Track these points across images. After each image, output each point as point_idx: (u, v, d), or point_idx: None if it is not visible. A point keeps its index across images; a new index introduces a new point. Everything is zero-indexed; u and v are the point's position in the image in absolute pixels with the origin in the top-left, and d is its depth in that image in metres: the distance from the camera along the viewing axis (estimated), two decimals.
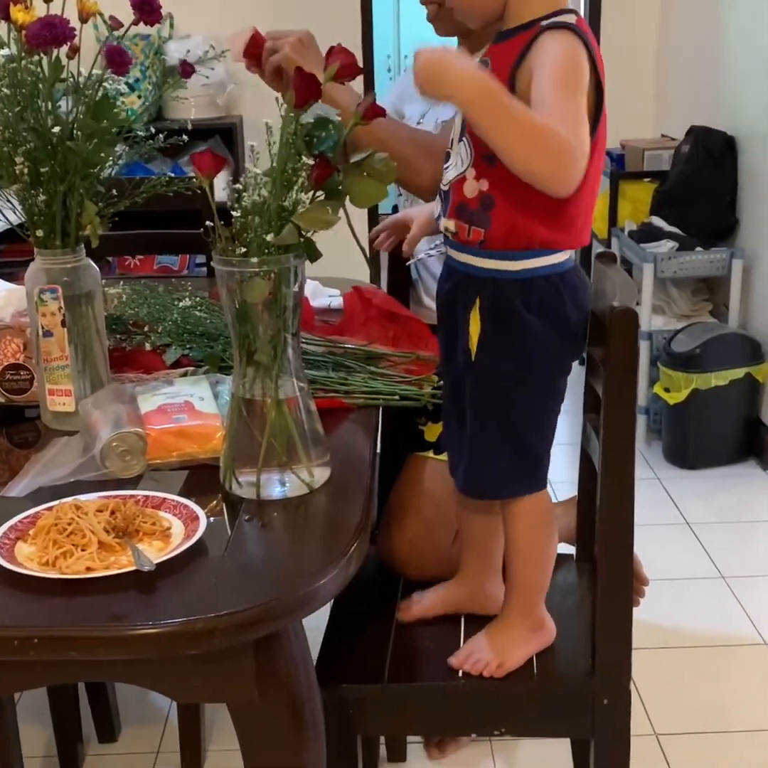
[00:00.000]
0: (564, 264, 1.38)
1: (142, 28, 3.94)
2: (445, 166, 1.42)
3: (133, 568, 1.11)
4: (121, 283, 1.90)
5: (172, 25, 3.96)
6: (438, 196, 1.43)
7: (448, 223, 1.39)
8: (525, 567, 1.50)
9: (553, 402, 1.44)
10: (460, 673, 1.48)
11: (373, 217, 4.28)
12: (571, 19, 1.32)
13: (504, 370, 1.39)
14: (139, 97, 3.68)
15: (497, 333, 1.38)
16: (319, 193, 1.21)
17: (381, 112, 1.22)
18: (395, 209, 2.07)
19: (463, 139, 1.36)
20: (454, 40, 1.88)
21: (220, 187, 1.36)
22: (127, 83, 4.11)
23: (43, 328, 1.46)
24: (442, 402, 1.55)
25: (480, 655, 1.47)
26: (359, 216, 2.22)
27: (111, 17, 1.36)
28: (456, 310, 1.42)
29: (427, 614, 1.59)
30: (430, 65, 1.24)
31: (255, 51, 1.68)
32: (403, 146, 1.71)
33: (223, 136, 3.98)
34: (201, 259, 3.73)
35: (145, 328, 1.71)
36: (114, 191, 1.48)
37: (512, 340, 1.37)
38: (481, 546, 1.57)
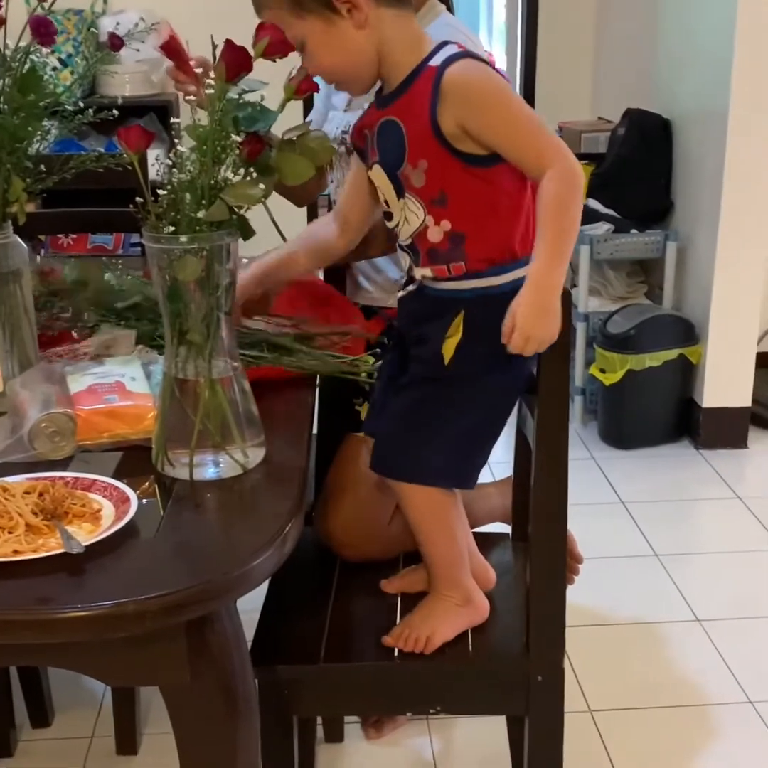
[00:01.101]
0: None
1: (76, 3, 3.83)
2: (393, 224, 1.45)
3: (61, 550, 1.10)
4: (49, 260, 1.85)
5: (105, 0, 3.88)
6: (399, 250, 1.48)
7: (424, 271, 1.43)
8: (430, 546, 1.52)
9: (507, 413, 1.48)
10: (396, 652, 1.48)
11: (312, 203, 4.25)
12: (452, 49, 1.35)
13: (475, 378, 1.42)
14: (72, 72, 3.61)
15: (478, 343, 1.40)
16: (251, 170, 1.19)
17: (314, 87, 1.21)
18: (329, 194, 2.05)
19: (406, 197, 1.39)
20: None
21: (154, 166, 1.34)
22: (59, 59, 3.99)
23: None
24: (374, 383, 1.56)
25: (410, 632, 1.48)
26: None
27: None
28: (429, 316, 1.44)
29: (409, 589, 1.61)
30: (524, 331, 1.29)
31: (172, 54, 1.61)
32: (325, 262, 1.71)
33: (158, 114, 3.91)
34: (135, 238, 3.68)
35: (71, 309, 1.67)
36: (43, 167, 1.45)
37: (492, 350, 1.37)
38: None
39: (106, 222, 2.66)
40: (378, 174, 1.43)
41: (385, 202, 1.44)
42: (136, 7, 3.77)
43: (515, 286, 1.34)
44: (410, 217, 1.41)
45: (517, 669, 1.48)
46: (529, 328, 1.29)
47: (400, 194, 1.40)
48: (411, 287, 1.48)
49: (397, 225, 1.44)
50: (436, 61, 1.34)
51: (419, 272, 1.44)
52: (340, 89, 1.47)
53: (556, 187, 1.31)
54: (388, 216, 1.46)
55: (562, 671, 1.47)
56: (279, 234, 1.34)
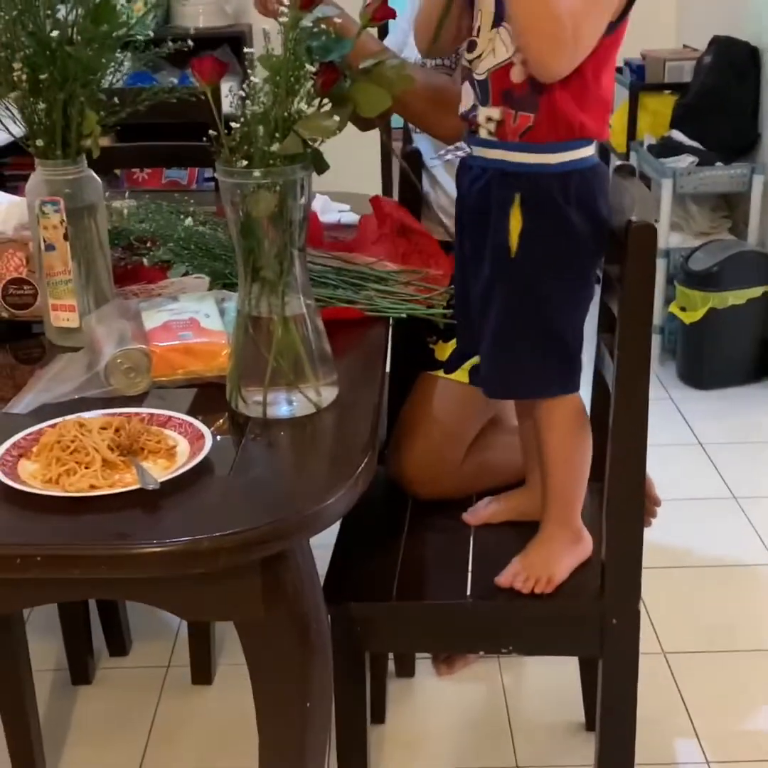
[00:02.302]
0: (593, 158, 1.40)
1: None
2: (473, 56, 1.38)
3: (137, 486, 1.10)
4: (127, 195, 1.85)
5: None
6: (469, 86, 1.40)
7: (492, 112, 1.37)
8: (564, 475, 1.50)
9: (586, 298, 1.45)
10: (468, 590, 1.47)
11: (387, 133, 4.18)
12: None
13: (545, 263, 1.39)
14: (145, 3, 3.58)
15: (539, 227, 1.38)
16: (325, 101, 1.16)
17: (391, 14, 1.17)
18: (405, 124, 2.01)
19: (501, 27, 1.34)
20: None
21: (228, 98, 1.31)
22: None
23: (45, 241, 1.43)
24: (456, 313, 1.54)
25: (528, 573, 1.47)
26: (372, 135, 2.16)
27: None
28: (489, 210, 1.40)
29: (492, 520, 1.62)
30: None
31: None
32: (421, 101, 1.71)
33: (232, 45, 3.88)
34: (209, 173, 3.67)
35: (148, 244, 1.67)
36: (116, 100, 1.43)
37: (553, 233, 1.38)
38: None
39: (179, 156, 2.67)
40: None
41: (477, 29, 1.38)
42: None
43: (566, 169, 1.36)
44: (499, 49, 1.35)
45: (592, 612, 1.46)
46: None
47: (497, 22, 1.35)
48: (460, 153, 1.43)
49: (478, 56, 1.37)
50: None
51: (484, 113, 1.38)
52: None
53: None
54: (472, 45, 1.38)
55: (638, 615, 1.45)
56: (401, 165, 1.32)
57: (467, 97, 1.41)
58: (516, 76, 1.34)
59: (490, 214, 1.40)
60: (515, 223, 1.38)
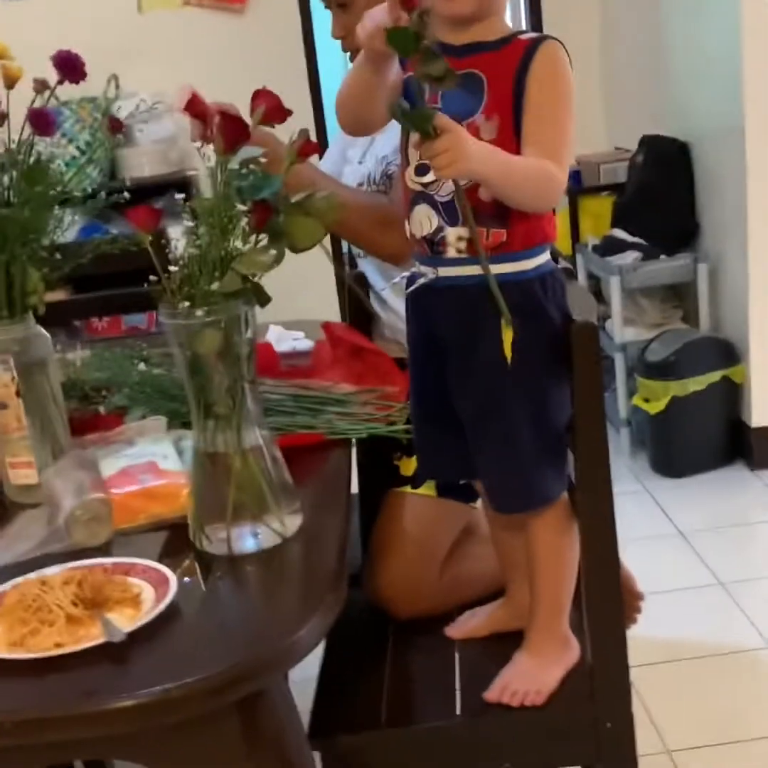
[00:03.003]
0: (551, 261, 1.43)
1: (88, 91, 3.90)
2: (430, 179, 1.38)
3: (103, 640, 1.08)
4: (79, 346, 1.87)
5: (117, 86, 3.95)
6: (428, 208, 1.39)
7: (461, 232, 1.37)
8: (554, 578, 1.48)
9: (567, 393, 1.44)
10: (458, 710, 1.44)
11: (338, 258, 4.27)
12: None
13: (540, 367, 1.39)
14: (91, 160, 3.67)
15: (530, 333, 1.38)
16: (260, 237, 1.18)
17: (315, 150, 1.20)
18: (349, 249, 2.06)
19: None
20: None
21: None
22: (78, 147, 4.06)
23: None
24: (420, 440, 1.54)
25: (517, 686, 1.44)
26: (324, 263, 2.18)
27: (34, 80, 1.34)
28: (474, 327, 1.39)
29: (475, 634, 1.59)
30: (452, 145, 1.23)
31: (196, 110, 1.64)
32: (359, 222, 1.77)
33: (181, 190, 3.96)
34: None
35: (103, 392, 1.68)
36: (58, 255, 1.46)
37: (544, 336, 1.38)
38: (520, 563, 1.55)
39: (135, 302, 2.68)
40: None
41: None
42: (149, 89, 3.85)
43: (541, 273, 1.39)
44: None
45: (585, 718, 1.43)
46: None
47: None
48: (423, 280, 1.42)
49: (438, 178, 1.37)
50: (525, 36, 1.37)
51: (453, 233, 1.37)
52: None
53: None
54: (423, 169, 1.38)
55: (631, 716, 1.42)
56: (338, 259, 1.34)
57: (427, 219, 1.40)
58: (484, 194, 1.34)
59: (477, 330, 1.39)
60: (507, 334, 1.38)
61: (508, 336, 1.37)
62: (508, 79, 1.34)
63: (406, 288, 1.47)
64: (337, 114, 1.47)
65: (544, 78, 1.34)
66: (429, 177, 1.38)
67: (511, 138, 1.34)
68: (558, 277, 1.43)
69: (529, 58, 1.34)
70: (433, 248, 1.41)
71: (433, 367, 1.47)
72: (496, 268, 1.36)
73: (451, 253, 1.39)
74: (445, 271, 1.41)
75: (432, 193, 1.39)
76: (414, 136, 1.29)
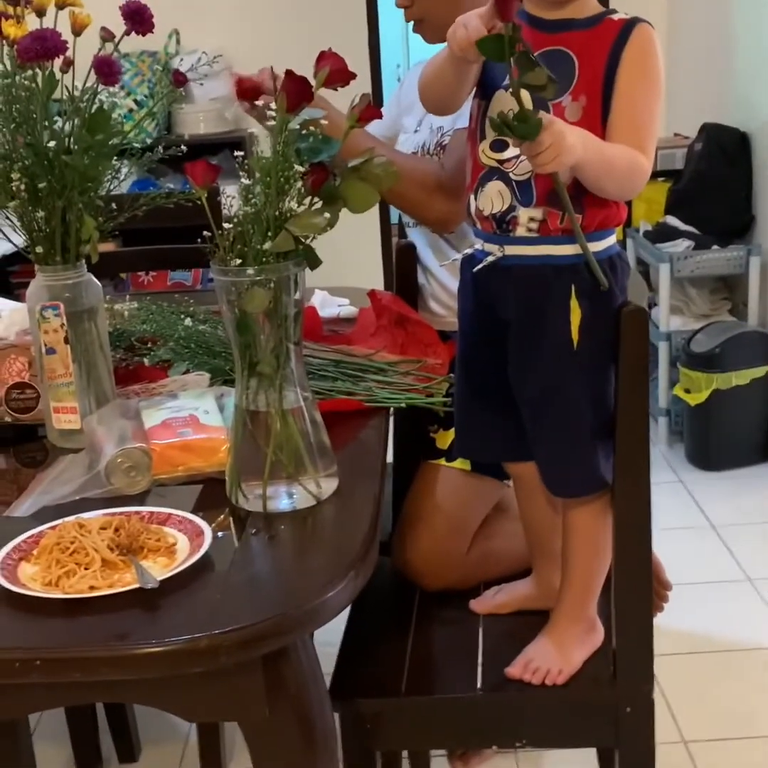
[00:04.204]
0: (617, 242, 1.43)
1: (149, 45, 3.92)
2: (506, 156, 1.36)
3: (136, 585, 1.09)
4: (128, 298, 1.88)
5: (178, 41, 3.96)
6: (502, 185, 1.37)
7: (535, 213, 1.36)
8: (590, 561, 1.48)
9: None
10: (479, 683, 1.45)
11: (386, 230, 4.26)
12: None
13: (603, 351, 1.38)
14: (151, 114, 3.68)
15: (597, 315, 1.37)
16: (315, 199, 1.19)
17: (377, 114, 1.20)
18: (400, 219, 2.05)
19: None
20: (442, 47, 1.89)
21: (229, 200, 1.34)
22: (135, 100, 4.08)
23: (45, 345, 1.45)
24: (462, 418, 1.53)
25: (539, 663, 1.45)
26: (373, 233, 2.16)
27: (102, 29, 1.34)
28: (542, 307, 1.38)
29: (499, 610, 1.60)
30: (555, 139, 1.22)
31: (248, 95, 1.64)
32: (409, 185, 1.74)
33: (234, 150, 3.97)
34: None
35: (149, 344, 1.69)
36: (114, 206, 1.47)
37: (609, 318, 1.37)
38: (550, 544, 1.56)
39: (183, 258, 2.71)
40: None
41: None
42: (209, 45, 3.84)
43: (609, 254, 1.39)
44: None
45: (605, 700, 1.43)
46: None
47: None
48: (490, 258, 1.39)
49: (517, 155, 1.34)
50: (616, 16, 1.36)
51: (526, 214, 1.36)
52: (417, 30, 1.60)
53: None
54: (500, 144, 1.37)
55: (652, 702, 1.42)
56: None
57: (499, 197, 1.38)
58: (563, 175, 1.31)
59: (545, 311, 1.38)
60: (575, 315, 1.37)
61: (576, 317, 1.36)
62: (600, 60, 1.32)
63: (465, 266, 1.45)
64: (421, 94, 1.46)
65: (638, 63, 1.33)
66: (508, 153, 1.36)
67: (597, 121, 1.33)
68: (624, 260, 1.43)
69: (624, 40, 1.32)
70: (501, 226, 1.39)
71: (489, 345, 1.46)
72: (567, 249, 1.36)
73: (521, 232, 1.37)
74: (511, 250, 1.39)
75: (508, 171, 1.37)
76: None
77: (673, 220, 3.52)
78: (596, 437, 1.41)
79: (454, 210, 1.73)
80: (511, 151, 1.35)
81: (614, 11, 1.37)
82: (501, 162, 1.38)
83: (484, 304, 1.45)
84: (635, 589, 1.40)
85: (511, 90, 1.20)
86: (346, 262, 1.57)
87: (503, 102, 1.35)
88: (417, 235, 1.95)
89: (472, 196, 1.42)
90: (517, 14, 1.31)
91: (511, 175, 1.37)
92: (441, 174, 1.78)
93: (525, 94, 1.21)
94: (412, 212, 1.87)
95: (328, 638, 1.53)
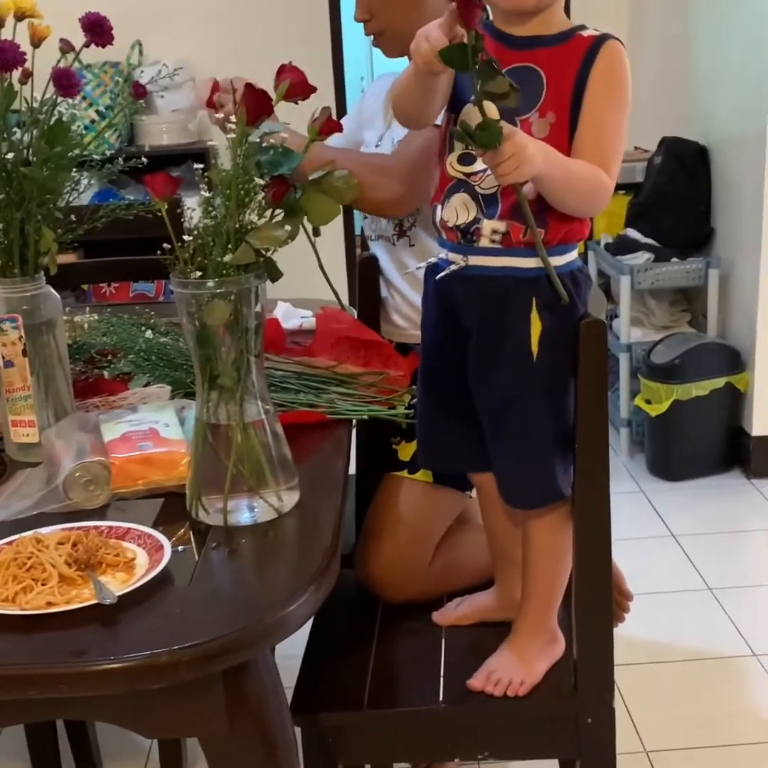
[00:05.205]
0: (579, 256, 1.44)
1: (112, 56, 3.89)
2: (473, 169, 1.38)
3: (95, 601, 1.08)
4: (87, 310, 1.87)
5: (141, 52, 3.95)
6: (467, 198, 1.39)
7: (498, 225, 1.37)
8: (550, 572, 1.48)
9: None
10: (441, 696, 1.44)
11: (350, 242, 4.27)
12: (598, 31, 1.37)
13: (562, 363, 1.38)
14: (111, 125, 3.67)
15: (558, 328, 1.38)
16: (276, 212, 1.19)
17: (338, 127, 1.20)
18: (362, 232, 2.05)
19: None
20: (403, 61, 1.90)
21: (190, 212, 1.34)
22: (97, 111, 4.05)
23: (3, 358, 1.43)
24: (425, 430, 1.54)
25: (501, 675, 1.45)
26: (337, 242, 2.15)
27: (61, 40, 1.34)
28: (503, 318, 1.39)
29: (462, 622, 1.60)
30: (516, 150, 1.22)
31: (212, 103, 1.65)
32: (354, 168, 1.72)
33: (197, 161, 3.95)
34: None
35: (109, 356, 1.68)
36: (73, 217, 1.46)
37: (569, 331, 1.37)
38: (512, 555, 1.56)
39: (145, 270, 2.69)
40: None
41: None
42: (173, 57, 3.83)
43: (572, 267, 1.40)
44: None
45: (566, 711, 1.44)
46: None
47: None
48: (453, 267, 1.40)
49: (484, 169, 1.35)
50: (586, 33, 1.36)
51: (489, 226, 1.37)
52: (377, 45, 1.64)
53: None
54: (467, 159, 1.38)
55: (613, 713, 1.43)
56: (326, 280, 1.32)
57: (464, 209, 1.39)
58: (530, 191, 1.32)
59: (505, 322, 1.39)
60: (535, 328, 1.37)
61: (536, 330, 1.37)
62: (569, 77, 1.33)
63: (429, 275, 1.46)
64: (394, 110, 1.47)
65: (606, 81, 1.33)
66: (476, 167, 1.37)
67: (565, 138, 1.34)
68: (585, 273, 1.44)
69: (592, 57, 1.33)
70: (465, 237, 1.40)
71: (451, 354, 1.46)
72: (529, 262, 1.37)
73: (484, 243, 1.38)
74: (475, 261, 1.40)
75: (474, 184, 1.38)
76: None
77: (633, 233, 3.55)
78: (554, 449, 1.41)
79: (403, 191, 1.75)
80: (479, 165, 1.37)
81: (584, 27, 1.38)
82: (468, 175, 1.39)
83: (446, 313, 1.45)
84: (596, 599, 1.40)
85: (473, 99, 1.20)
86: (308, 272, 1.57)
87: (471, 115, 1.35)
88: (379, 248, 1.95)
89: (438, 206, 1.42)
90: (485, 29, 1.33)
91: (477, 188, 1.38)
92: (390, 159, 1.80)
93: (490, 105, 1.21)
94: (363, 196, 1.85)
95: (289, 651, 1.53)
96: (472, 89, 1.20)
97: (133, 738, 2.20)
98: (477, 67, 1.16)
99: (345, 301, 2.09)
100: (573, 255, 1.42)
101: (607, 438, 1.36)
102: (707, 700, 2.26)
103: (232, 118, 1.15)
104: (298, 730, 1.37)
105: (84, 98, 3.60)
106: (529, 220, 1.32)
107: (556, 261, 1.38)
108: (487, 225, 1.37)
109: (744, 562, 2.91)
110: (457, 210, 1.40)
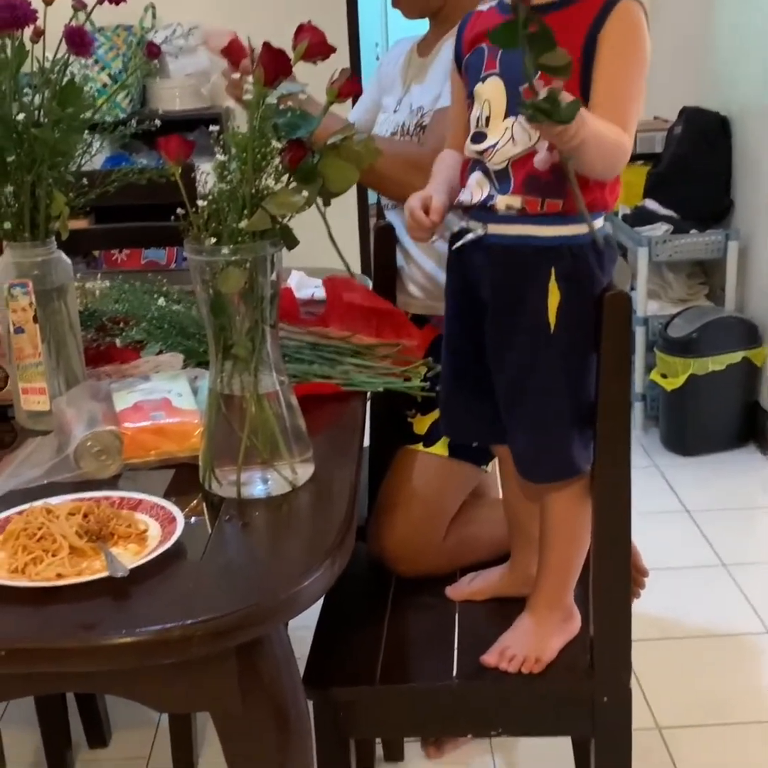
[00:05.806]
0: (606, 227, 1.41)
1: (125, 19, 3.84)
2: (484, 146, 1.36)
3: (106, 573, 1.06)
4: (99, 277, 1.84)
5: (154, 15, 3.89)
6: (481, 176, 1.37)
7: (512, 201, 1.34)
8: (567, 548, 1.46)
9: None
10: (455, 672, 1.43)
11: (363, 211, 4.22)
12: None
13: (582, 335, 1.36)
14: (124, 87, 3.62)
15: (576, 298, 1.35)
16: (293, 177, 1.15)
17: (357, 89, 1.17)
18: (378, 200, 2.02)
19: (519, 116, 1.31)
20: (418, 25, 1.86)
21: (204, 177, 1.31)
22: (110, 75, 4.01)
23: (14, 324, 1.41)
24: (447, 401, 1.52)
25: (516, 651, 1.43)
26: (350, 211, 2.10)
27: None
28: (521, 289, 1.36)
29: (475, 597, 1.59)
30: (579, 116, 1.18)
31: (234, 57, 1.61)
32: (390, 165, 1.69)
33: (209, 126, 3.91)
34: None
35: (121, 324, 1.66)
36: (85, 181, 1.43)
37: (589, 303, 1.34)
38: (530, 531, 1.54)
39: (157, 236, 2.66)
40: (491, 87, 1.35)
41: (485, 120, 1.36)
42: (186, 20, 3.78)
43: (592, 237, 1.36)
44: (519, 137, 1.33)
45: (582, 690, 1.42)
46: None
47: (511, 111, 1.33)
48: (471, 236, 1.38)
49: (493, 145, 1.35)
50: None
51: (504, 202, 1.34)
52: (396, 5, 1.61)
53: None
54: (479, 137, 1.37)
55: (630, 692, 1.41)
56: (335, 249, 1.29)
57: (479, 187, 1.38)
58: (541, 163, 1.31)
59: (523, 292, 1.36)
60: (553, 298, 1.35)
61: (554, 300, 1.34)
62: (578, 37, 1.29)
63: (451, 243, 1.43)
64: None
65: (619, 41, 1.29)
66: (484, 145, 1.36)
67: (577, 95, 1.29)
68: (612, 245, 1.40)
69: (604, 16, 1.29)
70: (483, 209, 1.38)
71: (470, 323, 1.44)
72: (549, 230, 1.34)
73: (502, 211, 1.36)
74: (494, 229, 1.37)
75: (486, 161, 1.36)
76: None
77: (651, 204, 3.50)
78: (571, 424, 1.39)
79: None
80: (488, 142, 1.35)
81: None
82: (480, 154, 1.37)
83: (466, 283, 1.43)
84: (614, 577, 1.38)
85: (526, 74, 1.14)
86: (323, 241, 1.53)
87: (482, 95, 1.36)
88: (395, 217, 1.92)
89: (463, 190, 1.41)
90: (497, 7, 1.30)
91: (488, 165, 1.37)
92: (421, 152, 1.75)
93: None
94: (393, 192, 1.83)
95: (302, 622, 1.51)
96: (527, 65, 1.14)
97: (143, 707, 2.20)
98: (529, 38, 1.11)
99: (357, 271, 2.06)
100: (598, 223, 1.38)
101: (629, 415, 1.34)
102: (720, 677, 2.24)
103: (250, 78, 1.12)
104: (310, 703, 1.36)
105: (96, 61, 3.56)
106: (573, 186, 1.29)
107: (581, 229, 1.35)
108: (501, 200, 1.35)
109: (758, 538, 2.89)
110: (472, 190, 1.38)
